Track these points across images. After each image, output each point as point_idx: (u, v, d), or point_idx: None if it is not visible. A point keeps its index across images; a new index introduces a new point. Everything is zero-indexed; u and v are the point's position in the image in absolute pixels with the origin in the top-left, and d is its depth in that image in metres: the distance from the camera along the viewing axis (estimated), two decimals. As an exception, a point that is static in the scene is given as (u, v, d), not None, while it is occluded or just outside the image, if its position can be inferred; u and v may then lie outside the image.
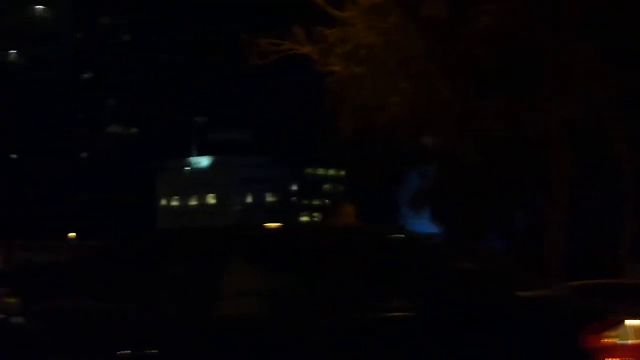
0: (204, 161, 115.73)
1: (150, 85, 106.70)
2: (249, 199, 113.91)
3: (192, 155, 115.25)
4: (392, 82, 24.99)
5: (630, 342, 6.24)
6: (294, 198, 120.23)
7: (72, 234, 74.61)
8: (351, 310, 6.83)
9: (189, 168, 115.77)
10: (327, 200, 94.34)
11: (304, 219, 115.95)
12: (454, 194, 29.28)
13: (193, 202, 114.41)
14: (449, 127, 24.33)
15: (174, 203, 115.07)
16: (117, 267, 7.68)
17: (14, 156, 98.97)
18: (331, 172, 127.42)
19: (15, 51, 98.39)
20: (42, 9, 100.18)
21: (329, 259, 7.31)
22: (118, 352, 7.21)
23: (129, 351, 7.17)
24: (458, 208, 29.87)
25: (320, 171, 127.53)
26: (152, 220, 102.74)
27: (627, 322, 6.31)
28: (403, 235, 8.12)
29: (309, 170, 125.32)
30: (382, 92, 25.07)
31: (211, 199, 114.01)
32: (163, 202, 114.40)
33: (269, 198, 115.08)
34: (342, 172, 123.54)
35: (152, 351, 7.16)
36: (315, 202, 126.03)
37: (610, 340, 6.21)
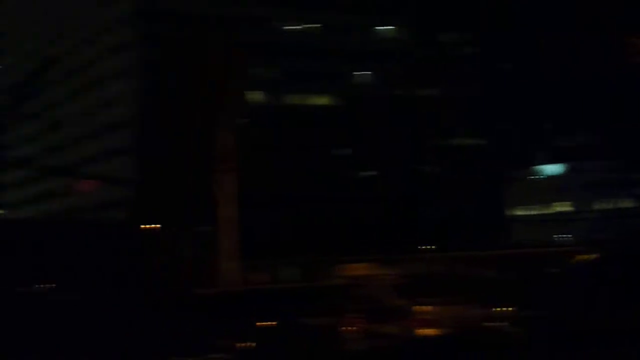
0: (553, 168, 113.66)
1: (495, 95, 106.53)
2: (602, 205, 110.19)
3: (540, 163, 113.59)
4: None
5: None
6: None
7: (429, 247, 75.63)
8: None
9: (537, 176, 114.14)
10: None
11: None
12: None
13: (544, 210, 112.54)
14: None
15: (525, 212, 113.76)
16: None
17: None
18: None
19: (366, 72, 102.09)
20: (386, 29, 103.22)
21: None
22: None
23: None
24: None
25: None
26: (504, 231, 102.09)
27: None
28: None
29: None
30: None
31: (562, 207, 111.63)
32: (514, 211, 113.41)
33: (624, 203, 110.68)
34: None
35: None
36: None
37: None
